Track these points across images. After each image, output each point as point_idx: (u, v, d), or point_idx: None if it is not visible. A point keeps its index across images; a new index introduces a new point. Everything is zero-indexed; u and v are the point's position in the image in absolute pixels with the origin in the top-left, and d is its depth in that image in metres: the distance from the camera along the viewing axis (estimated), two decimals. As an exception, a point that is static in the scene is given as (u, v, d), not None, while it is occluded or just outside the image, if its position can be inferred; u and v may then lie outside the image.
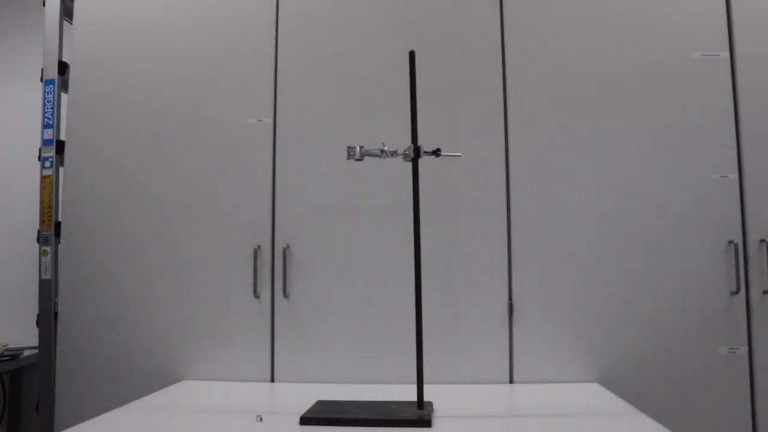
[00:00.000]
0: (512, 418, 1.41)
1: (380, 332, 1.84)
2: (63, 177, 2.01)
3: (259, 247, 1.89)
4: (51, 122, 2.03)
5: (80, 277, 1.95)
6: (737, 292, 1.78)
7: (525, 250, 1.84)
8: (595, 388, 1.72)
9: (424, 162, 1.84)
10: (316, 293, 1.87)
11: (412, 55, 1.50)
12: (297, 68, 1.94)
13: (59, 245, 2.00)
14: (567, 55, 1.89)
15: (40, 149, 2.03)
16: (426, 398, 1.59)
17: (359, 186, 1.89)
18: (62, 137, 2.03)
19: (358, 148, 1.52)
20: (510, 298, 1.83)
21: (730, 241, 1.80)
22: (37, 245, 2.01)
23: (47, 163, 2.02)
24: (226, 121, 1.95)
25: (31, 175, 2.58)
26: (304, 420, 1.36)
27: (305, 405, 1.52)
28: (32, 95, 2.65)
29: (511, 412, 1.47)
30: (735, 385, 1.76)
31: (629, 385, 1.78)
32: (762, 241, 1.79)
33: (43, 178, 2.02)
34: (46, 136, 2.03)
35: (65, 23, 2.10)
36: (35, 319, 2.00)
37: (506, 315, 1.82)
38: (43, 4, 2.07)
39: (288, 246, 1.89)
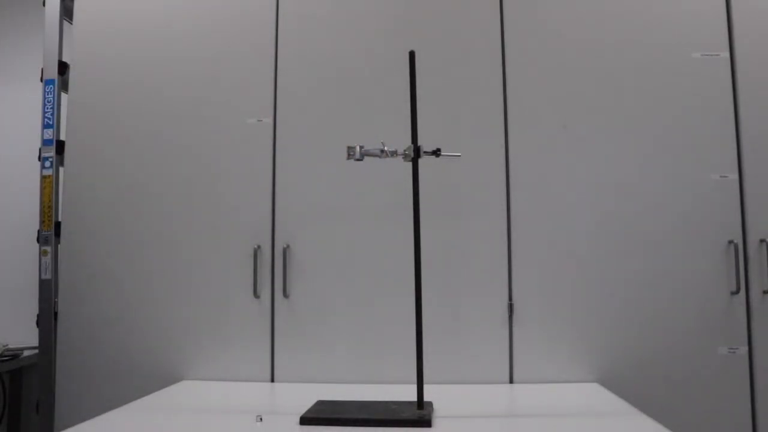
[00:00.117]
0: (512, 418, 1.41)
1: (380, 332, 1.84)
2: (63, 177, 2.01)
3: (259, 247, 1.89)
4: (51, 122, 2.03)
5: (80, 277, 1.95)
6: (737, 292, 1.78)
7: (525, 250, 1.84)
8: (595, 388, 1.72)
9: (424, 162, 1.84)
10: (316, 293, 1.87)
11: (412, 55, 1.50)
12: (297, 68, 1.94)
13: (59, 245, 2.00)
14: (567, 55, 1.89)
15: (40, 149, 2.03)
16: (426, 398, 1.59)
17: (359, 186, 1.89)
18: (62, 137, 2.03)
19: (358, 148, 1.52)
20: (510, 298, 1.83)
21: (730, 241, 1.80)
22: (37, 245, 2.01)
23: (47, 163, 2.02)
24: (226, 121, 1.95)
25: (31, 175, 2.58)
26: (304, 420, 1.36)
27: (305, 405, 1.52)
28: (32, 95, 2.65)
29: (511, 412, 1.47)
30: (735, 385, 1.76)
31: (629, 385, 1.78)
32: (762, 241, 1.79)
33: (43, 178, 2.02)
34: (46, 136, 2.03)
35: (65, 23, 2.10)
36: (35, 319, 2.00)
37: (506, 315, 1.82)
38: (43, 4, 2.07)
39: (288, 246, 1.89)
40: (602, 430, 1.29)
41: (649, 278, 1.81)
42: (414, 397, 1.48)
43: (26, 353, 2.38)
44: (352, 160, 1.53)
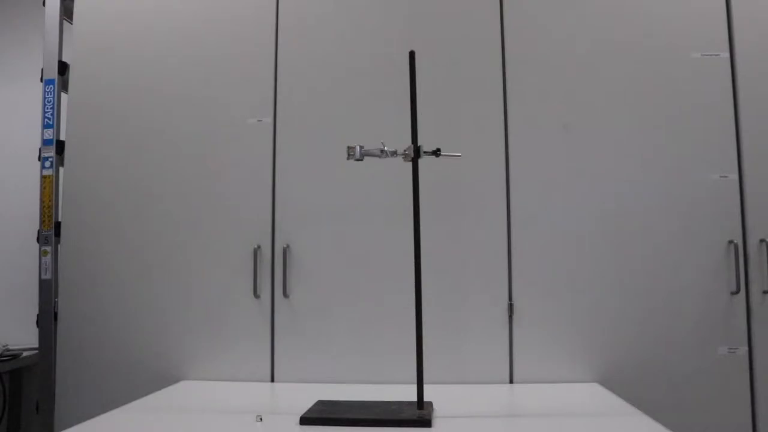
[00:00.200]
0: (512, 418, 1.41)
1: (380, 332, 1.84)
2: (63, 177, 2.01)
3: (259, 247, 1.89)
4: (51, 122, 2.03)
5: (80, 277, 1.95)
6: (737, 292, 1.78)
7: (525, 250, 1.84)
8: (595, 388, 1.72)
9: (424, 162, 1.84)
10: (316, 293, 1.87)
11: (412, 55, 1.50)
12: (297, 68, 1.94)
13: (59, 245, 2.00)
14: (567, 55, 1.89)
15: (40, 149, 2.03)
16: (426, 398, 1.59)
17: (359, 186, 1.89)
18: (62, 137, 2.03)
19: (358, 148, 1.51)
20: (510, 298, 1.83)
21: (730, 241, 1.80)
22: (37, 245, 2.01)
23: (47, 163, 2.02)
24: (226, 121, 1.95)
25: (31, 175, 2.59)
26: (304, 420, 1.36)
27: (305, 405, 1.52)
28: (32, 95, 2.65)
29: (511, 412, 1.47)
30: (735, 385, 1.76)
31: (629, 385, 1.78)
32: (762, 241, 1.79)
33: (43, 178, 2.02)
34: (46, 136, 2.03)
35: (65, 23, 2.10)
36: (35, 319, 2.00)
37: (506, 315, 1.82)
38: (43, 4, 2.07)
39: (288, 246, 1.89)
40: (602, 430, 1.29)
41: (649, 278, 1.81)
42: (414, 397, 1.48)
43: (26, 353, 2.39)
44: (352, 160, 1.53)
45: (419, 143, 1.49)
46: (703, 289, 1.80)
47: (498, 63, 1.89)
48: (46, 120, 2.03)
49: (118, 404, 1.73)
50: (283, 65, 1.95)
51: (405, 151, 1.48)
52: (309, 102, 1.93)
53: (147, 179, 1.96)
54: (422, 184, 1.84)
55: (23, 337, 2.54)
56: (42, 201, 2.01)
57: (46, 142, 2.03)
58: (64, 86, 2.06)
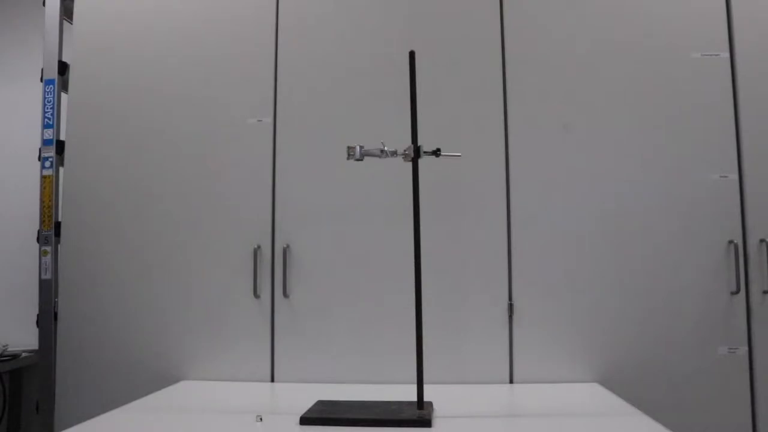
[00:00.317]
0: (512, 418, 1.41)
1: (380, 332, 1.84)
2: (63, 177, 2.01)
3: (259, 247, 1.89)
4: (51, 122, 2.03)
5: (80, 277, 1.95)
6: (737, 292, 1.78)
7: (525, 250, 1.84)
8: (595, 388, 1.72)
9: (424, 162, 1.84)
10: (316, 293, 1.87)
11: (412, 55, 1.50)
12: (297, 68, 1.94)
13: (59, 245, 2.00)
14: (567, 55, 1.89)
15: (40, 149, 2.03)
16: (426, 398, 1.59)
17: (359, 186, 1.89)
18: (62, 137, 2.03)
19: (358, 148, 1.51)
20: (510, 298, 1.83)
21: (730, 241, 1.80)
22: (37, 245, 2.01)
23: (47, 163, 2.02)
24: (226, 121, 1.95)
25: (31, 175, 2.59)
26: (304, 420, 1.36)
27: (305, 405, 1.52)
28: (32, 95, 2.65)
29: (511, 412, 1.47)
30: (735, 385, 1.76)
31: (629, 385, 1.78)
32: (762, 241, 1.79)
33: (43, 178, 2.02)
34: (46, 136, 2.03)
35: (65, 23, 2.10)
36: (35, 319, 2.00)
37: (506, 315, 1.82)
38: (43, 4, 2.07)
39: (288, 246, 1.89)
40: (602, 430, 1.29)
41: (649, 278, 1.81)
42: (414, 397, 1.48)
43: (26, 353, 2.39)
44: (352, 160, 1.53)
45: (419, 143, 1.49)
46: (703, 289, 1.80)
47: (498, 63, 1.89)
48: (46, 120, 2.03)
49: (118, 404, 1.73)
50: (283, 65, 1.95)
51: (405, 151, 1.49)
52: (309, 102, 1.93)
53: (147, 179, 1.96)
54: (422, 184, 1.84)
55: (23, 337, 2.54)
56: (42, 201, 2.01)
57: (46, 142, 2.03)
58: (64, 86, 2.06)
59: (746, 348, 1.77)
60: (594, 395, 1.63)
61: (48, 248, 1.99)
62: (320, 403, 1.48)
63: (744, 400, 1.76)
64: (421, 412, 1.39)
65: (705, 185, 1.82)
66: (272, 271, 1.89)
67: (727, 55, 1.85)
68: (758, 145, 1.82)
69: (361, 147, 1.52)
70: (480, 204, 1.85)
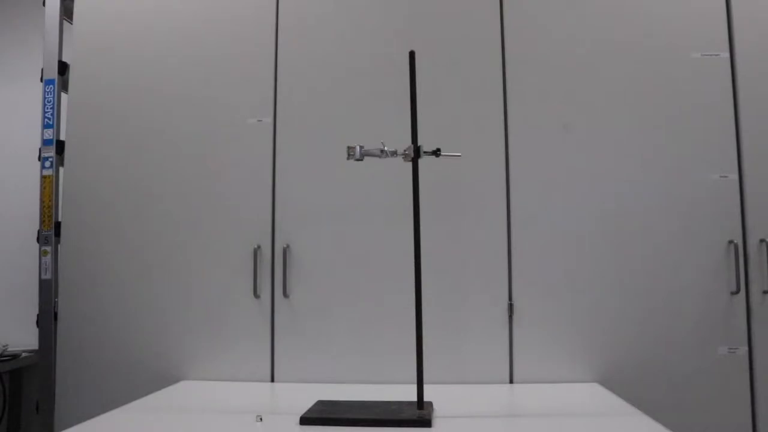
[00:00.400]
0: (512, 418, 1.41)
1: (380, 332, 1.84)
2: (63, 177, 2.01)
3: (259, 247, 1.89)
4: (51, 122, 2.03)
5: (80, 277, 1.95)
6: (737, 292, 1.78)
7: (525, 250, 1.84)
8: (595, 388, 1.72)
9: (424, 162, 1.84)
10: (316, 293, 1.87)
11: (412, 55, 1.50)
12: (297, 68, 1.94)
13: (59, 245, 2.00)
14: (567, 55, 1.89)
15: (40, 149, 2.03)
16: (426, 398, 1.59)
17: (359, 186, 1.89)
18: (62, 137, 2.03)
19: (358, 148, 1.51)
20: (510, 298, 1.83)
21: (730, 241, 1.80)
22: (37, 245, 2.01)
23: (47, 163, 2.02)
24: (226, 121, 1.95)
25: (31, 175, 2.59)
26: (304, 420, 1.36)
27: (305, 405, 1.52)
28: (32, 95, 2.65)
29: (511, 412, 1.47)
30: (735, 385, 1.76)
31: (629, 385, 1.78)
32: (762, 241, 1.79)
33: (43, 178, 2.02)
34: (46, 136, 2.03)
35: (65, 23, 2.10)
36: (35, 319, 2.00)
37: (506, 315, 1.82)
38: (43, 4, 2.07)
39: (288, 246, 1.89)
40: (602, 430, 1.29)
41: (649, 278, 1.81)
42: (414, 397, 1.48)
43: (26, 353, 2.39)
44: (352, 160, 1.53)
45: (419, 143, 1.49)
46: (703, 289, 1.80)
47: (498, 63, 1.89)
48: (46, 120, 2.03)
49: (118, 404, 1.73)
50: (283, 65, 1.95)
51: (405, 151, 1.48)
52: (309, 102, 1.93)
53: (147, 179, 1.96)
54: (422, 184, 1.84)
55: (23, 337, 2.54)
56: (42, 201, 2.01)
57: (46, 142, 2.03)
58: (64, 86, 2.06)
59: (746, 348, 1.77)
60: (594, 395, 1.63)
61: (48, 248, 1.99)
62: (320, 403, 1.49)
63: (744, 400, 1.76)
64: (421, 412, 1.39)
65: (705, 185, 1.82)
66: (272, 271, 1.89)
67: (727, 55, 1.85)
68: (758, 145, 1.82)
69: (361, 147, 1.52)
70: (480, 204, 1.85)
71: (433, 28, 1.92)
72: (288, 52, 1.95)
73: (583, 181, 1.85)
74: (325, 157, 1.90)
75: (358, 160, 1.51)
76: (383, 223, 1.87)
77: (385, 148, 1.51)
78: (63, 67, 2.05)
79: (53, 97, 2.03)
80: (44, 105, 2.03)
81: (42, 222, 2.01)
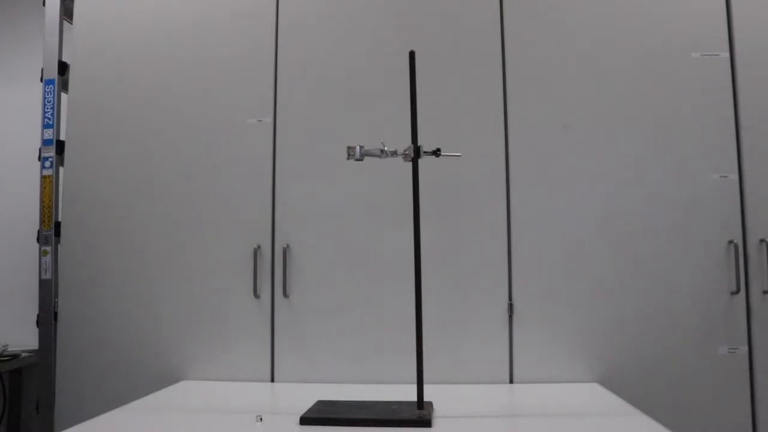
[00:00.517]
0: (512, 418, 1.41)
1: (380, 332, 1.84)
2: (63, 177, 2.01)
3: (259, 247, 1.89)
4: (51, 122, 2.03)
5: (80, 277, 1.95)
6: (737, 292, 1.78)
7: (525, 250, 1.84)
8: (595, 388, 1.72)
9: (424, 162, 1.84)
10: (316, 293, 1.87)
11: (412, 55, 1.50)
12: (297, 68, 1.94)
13: (59, 245, 2.00)
14: (567, 55, 1.89)
15: (40, 149, 2.03)
16: (426, 398, 1.59)
17: (359, 186, 1.89)
18: (62, 137, 2.03)
19: (358, 148, 1.51)
20: (510, 298, 1.83)
21: (730, 241, 1.80)
22: (37, 245, 2.01)
23: (47, 163, 2.02)
24: (226, 121, 1.95)
25: (31, 175, 2.59)
26: (304, 420, 1.36)
27: (305, 405, 1.52)
28: (32, 95, 2.65)
29: (511, 412, 1.47)
30: (735, 385, 1.76)
31: (629, 385, 1.78)
32: (762, 241, 1.79)
33: (43, 178, 2.02)
34: (46, 136, 2.03)
35: (65, 23, 2.10)
36: (35, 319, 2.00)
37: (506, 315, 1.82)
38: (43, 4, 2.07)
39: (288, 246, 1.89)
40: (602, 430, 1.29)
41: (649, 278, 1.81)
42: (414, 397, 1.48)
43: (26, 353, 2.38)
44: (352, 160, 1.53)
45: (419, 143, 1.49)
46: (703, 289, 1.80)
47: (498, 63, 1.89)
48: (46, 120, 2.03)
49: (118, 404, 1.73)
50: (283, 65, 1.95)
51: (405, 151, 1.48)
52: (309, 102, 1.93)
53: (147, 179, 1.96)
54: (422, 184, 1.84)
55: (23, 337, 2.54)
56: (42, 201, 2.01)
57: (46, 142, 2.03)
58: (64, 86, 2.06)
59: (746, 348, 1.77)
60: (594, 395, 1.63)
61: (48, 248, 1.99)
62: (320, 403, 1.49)
63: (744, 400, 1.76)
64: (421, 412, 1.39)
65: (705, 185, 1.82)
66: (272, 271, 1.89)
67: (727, 55, 1.85)
68: (758, 145, 1.82)
69: (361, 147, 1.52)
70: (480, 204, 1.85)
71: (433, 27, 1.92)
72: (288, 52, 1.95)
73: (583, 181, 1.85)
74: (325, 157, 1.90)
75: (358, 160, 1.51)
76: (383, 223, 1.87)
77: (385, 148, 1.51)
78: (63, 67, 2.05)
79: (53, 97, 2.03)
80: (44, 105, 2.03)
81: (42, 222, 2.01)
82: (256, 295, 1.88)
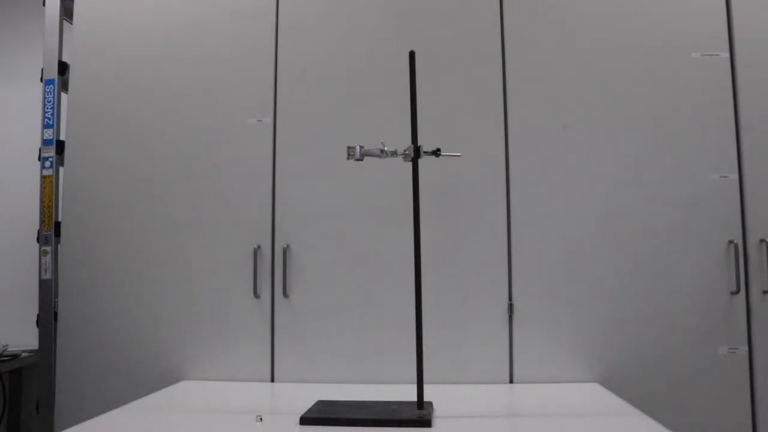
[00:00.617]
0: (512, 418, 1.41)
1: (380, 332, 1.84)
2: (63, 177, 2.01)
3: (259, 247, 1.89)
4: (51, 122, 2.03)
5: (80, 277, 1.95)
6: (737, 292, 1.78)
7: (525, 250, 1.84)
8: (595, 388, 1.72)
9: (424, 162, 1.84)
10: (316, 293, 1.87)
11: (412, 55, 1.50)
12: (297, 68, 1.94)
13: (59, 245, 2.00)
14: (567, 55, 1.89)
15: (40, 149, 2.03)
16: (426, 398, 1.59)
17: (359, 186, 1.89)
18: (62, 137, 2.03)
19: (358, 148, 1.51)
20: (510, 298, 1.83)
21: (730, 241, 1.80)
22: (37, 245, 2.01)
23: (47, 163, 2.02)
24: (226, 121, 1.95)
25: (31, 175, 2.59)
26: (304, 420, 1.36)
27: (305, 405, 1.52)
28: (32, 95, 2.65)
29: (511, 412, 1.47)
30: (735, 385, 1.76)
31: (629, 385, 1.78)
32: (762, 241, 1.79)
33: (43, 178, 2.02)
34: (46, 136, 2.03)
35: (65, 23, 2.10)
36: (35, 319, 2.00)
37: (506, 315, 1.82)
38: (43, 4, 2.07)
39: (288, 246, 1.89)
40: (602, 430, 1.29)
41: (649, 278, 1.81)
42: (414, 397, 1.48)
43: (26, 353, 2.38)
44: (352, 160, 1.53)
45: (419, 143, 1.49)
46: (703, 289, 1.80)
47: (498, 63, 1.89)
48: (46, 120, 2.03)
49: (118, 404, 1.73)
50: (283, 65, 1.95)
51: (405, 151, 1.48)
52: (309, 102, 1.93)
53: (147, 179, 1.96)
54: (422, 184, 1.84)
55: (23, 337, 2.54)
56: (42, 201, 2.01)
57: (46, 142, 2.03)
58: (64, 86, 2.06)
59: (746, 348, 1.77)
60: (594, 395, 1.63)
61: (48, 248, 1.99)
62: (320, 403, 1.49)
63: (744, 400, 1.76)
64: (421, 412, 1.39)
65: (705, 185, 1.82)
66: (272, 271, 1.89)
67: (727, 55, 1.85)
68: (758, 145, 1.82)
69: (361, 147, 1.52)
70: (480, 204, 1.85)
71: (433, 27, 1.92)
72: (288, 52, 1.95)
73: (583, 181, 1.85)
74: (325, 157, 1.90)
75: (358, 160, 1.51)
76: (383, 223, 1.87)
77: (385, 148, 1.51)
78: (63, 67, 2.05)
79: (53, 97, 2.03)
80: (44, 105, 2.03)
81: (42, 222, 2.01)
82: (256, 295, 1.88)
